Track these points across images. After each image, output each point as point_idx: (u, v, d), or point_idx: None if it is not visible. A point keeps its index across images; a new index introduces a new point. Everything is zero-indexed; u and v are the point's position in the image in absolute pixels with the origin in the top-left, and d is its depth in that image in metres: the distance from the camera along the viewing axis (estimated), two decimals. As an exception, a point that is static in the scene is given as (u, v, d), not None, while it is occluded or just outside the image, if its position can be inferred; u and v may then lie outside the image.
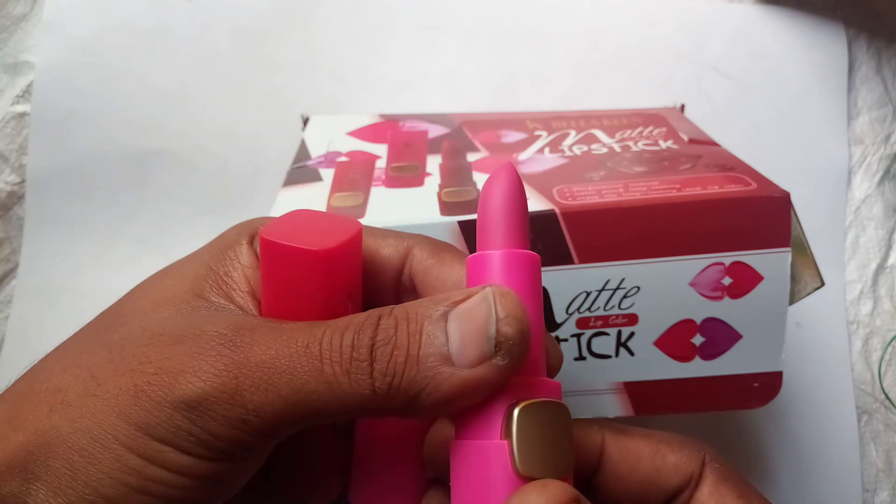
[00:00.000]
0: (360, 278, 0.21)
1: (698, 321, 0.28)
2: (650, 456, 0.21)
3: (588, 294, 0.27)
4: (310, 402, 0.18)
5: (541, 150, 0.33)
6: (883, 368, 0.40)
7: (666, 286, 0.27)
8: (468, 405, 0.18)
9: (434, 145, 0.34)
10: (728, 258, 0.27)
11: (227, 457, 0.18)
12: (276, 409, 0.18)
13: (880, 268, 0.42)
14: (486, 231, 0.20)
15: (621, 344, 0.28)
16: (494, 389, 0.18)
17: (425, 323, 0.18)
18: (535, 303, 0.19)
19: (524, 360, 0.18)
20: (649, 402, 0.29)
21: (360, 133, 0.36)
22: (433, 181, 0.30)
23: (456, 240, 0.26)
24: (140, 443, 0.18)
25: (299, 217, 0.21)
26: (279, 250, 0.19)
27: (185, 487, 0.18)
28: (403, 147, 0.34)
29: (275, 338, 0.18)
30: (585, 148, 0.33)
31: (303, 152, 0.34)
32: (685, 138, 0.33)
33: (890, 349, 0.40)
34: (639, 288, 0.27)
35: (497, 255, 0.19)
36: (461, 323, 0.18)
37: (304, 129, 0.37)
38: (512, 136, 0.35)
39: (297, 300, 0.20)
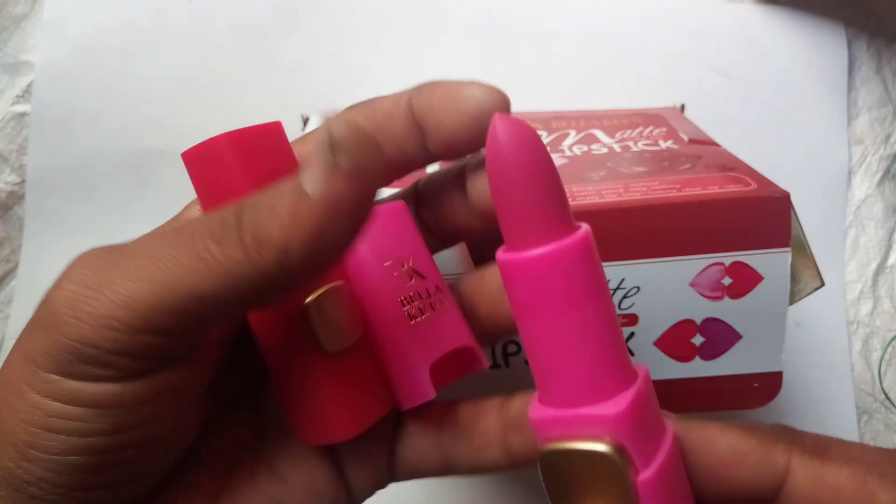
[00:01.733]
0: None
1: (698, 321, 0.28)
2: (853, 495, 0.16)
3: (588, 294, 0.27)
4: (183, 283, 0.16)
5: (541, 150, 0.33)
6: (883, 368, 0.40)
7: (666, 286, 0.27)
8: (342, 239, 0.17)
9: (434, 145, 0.34)
10: (728, 258, 0.27)
11: (123, 375, 0.16)
12: (147, 296, 0.16)
13: (880, 268, 0.42)
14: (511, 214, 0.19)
15: (621, 344, 0.28)
16: (356, 206, 0.16)
17: (285, 180, 0.17)
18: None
19: (374, 161, 0.16)
20: (649, 402, 0.29)
21: (360, 133, 0.36)
22: (433, 181, 0.30)
23: (456, 240, 0.26)
24: (33, 376, 0.16)
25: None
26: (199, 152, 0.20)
27: (88, 420, 0.16)
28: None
29: (164, 233, 0.17)
30: (585, 148, 0.33)
31: (303, 152, 0.34)
32: (685, 138, 0.33)
33: (890, 349, 0.40)
34: (639, 288, 0.27)
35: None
36: (312, 159, 0.16)
37: (304, 129, 0.37)
38: (512, 136, 0.35)
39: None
